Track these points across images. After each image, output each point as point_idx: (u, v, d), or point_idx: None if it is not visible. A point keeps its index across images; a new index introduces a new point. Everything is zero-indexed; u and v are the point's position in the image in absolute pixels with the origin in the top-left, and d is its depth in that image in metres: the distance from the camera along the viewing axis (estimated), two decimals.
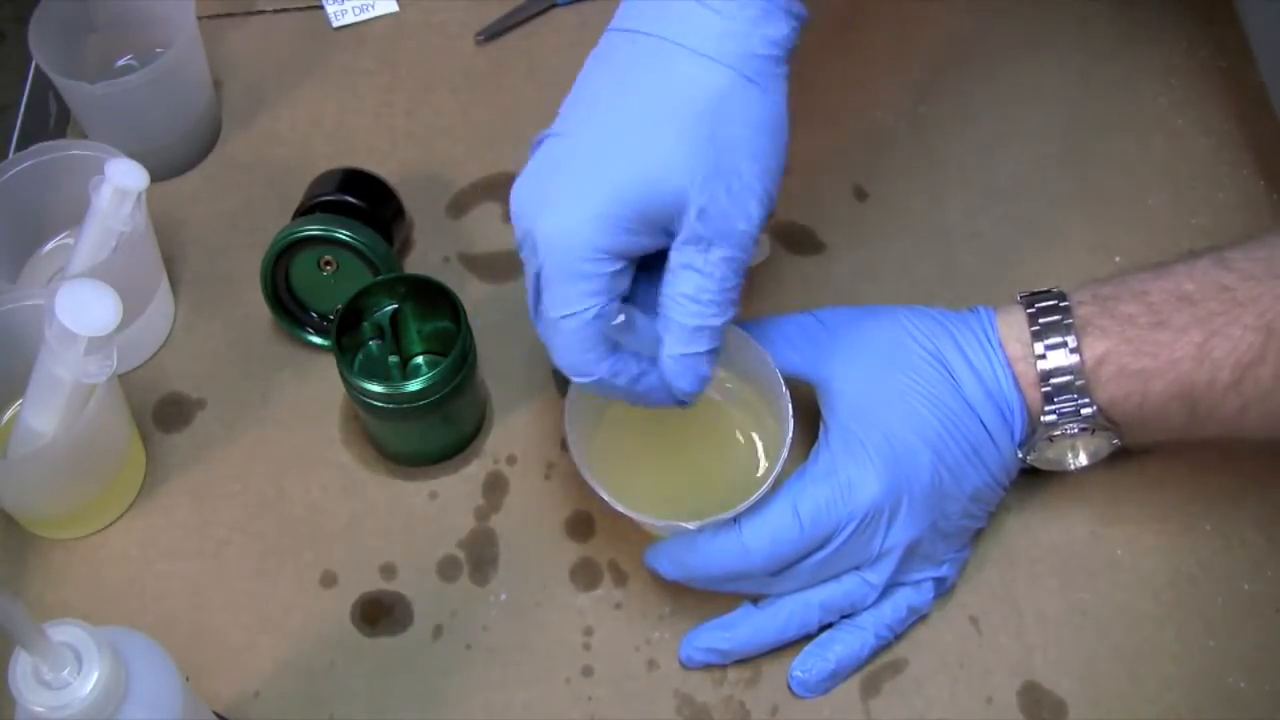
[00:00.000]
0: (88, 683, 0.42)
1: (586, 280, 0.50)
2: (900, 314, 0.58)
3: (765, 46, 0.51)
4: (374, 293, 0.62)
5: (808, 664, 0.58)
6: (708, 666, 0.59)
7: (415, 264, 0.70)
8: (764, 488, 0.54)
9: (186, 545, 0.62)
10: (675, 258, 0.51)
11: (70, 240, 0.68)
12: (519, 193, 0.53)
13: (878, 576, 0.56)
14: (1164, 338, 0.53)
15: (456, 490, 0.64)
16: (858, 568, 0.56)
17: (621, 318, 0.51)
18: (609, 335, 0.51)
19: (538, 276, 0.52)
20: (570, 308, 0.51)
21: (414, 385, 0.58)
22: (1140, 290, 0.55)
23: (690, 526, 0.55)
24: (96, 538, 0.63)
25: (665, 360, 0.52)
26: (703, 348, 0.52)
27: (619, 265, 0.51)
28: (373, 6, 0.80)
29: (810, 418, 0.58)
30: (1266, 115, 0.68)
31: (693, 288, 0.51)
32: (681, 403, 0.54)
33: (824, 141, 0.73)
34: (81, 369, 0.55)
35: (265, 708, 0.58)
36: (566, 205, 0.51)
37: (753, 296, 0.67)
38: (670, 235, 0.51)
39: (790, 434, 0.55)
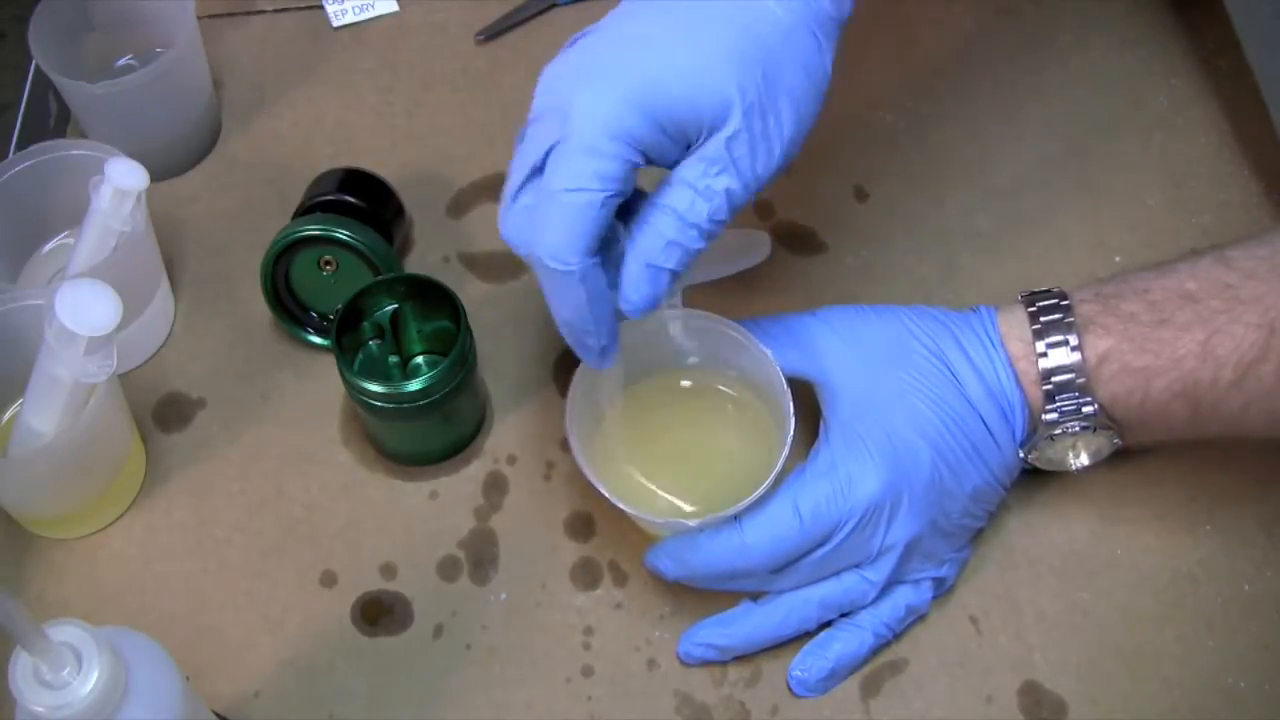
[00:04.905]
0: (88, 683, 0.42)
1: (607, 160, 0.49)
2: (901, 313, 0.58)
3: (832, 7, 0.52)
4: (374, 293, 0.62)
5: (807, 664, 0.58)
6: (706, 664, 0.58)
7: (415, 264, 0.70)
8: (765, 485, 0.54)
9: (186, 545, 0.62)
10: (679, 172, 0.51)
11: (70, 240, 0.68)
12: (554, 71, 0.52)
13: (877, 574, 0.56)
14: (1166, 335, 0.53)
15: (456, 490, 0.64)
16: (858, 565, 0.57)
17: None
18: (600, 235, 0.50)
19: (549, 151, 0.50)
20: (581, 183, 0.49)
21: (414, 385, 0.58)
22: (1142, 289, 0.55)
23: (691, 525, 0.55)
24: (96, 538, 0.63)
25: (629, 267, 0.51)
26: (669, 264, 0.51)
27: (636, 160, 0.50)
28: (373, 6, 0.80)
29: (811, 416, 0.58)
30: (1266, 115, 0.68)
31: (685, 204, 0.50)
32: (602, 358, 0.53)
33: (824, 141, 0.72)
34: (81, 369, 0.55)
35: (265, 708, 0.58)
36: (609, 82, 0.49)
37: (753, 296, 0.67)
38: (680, 154, 0.51)
39: (791, 432, 0.55)
